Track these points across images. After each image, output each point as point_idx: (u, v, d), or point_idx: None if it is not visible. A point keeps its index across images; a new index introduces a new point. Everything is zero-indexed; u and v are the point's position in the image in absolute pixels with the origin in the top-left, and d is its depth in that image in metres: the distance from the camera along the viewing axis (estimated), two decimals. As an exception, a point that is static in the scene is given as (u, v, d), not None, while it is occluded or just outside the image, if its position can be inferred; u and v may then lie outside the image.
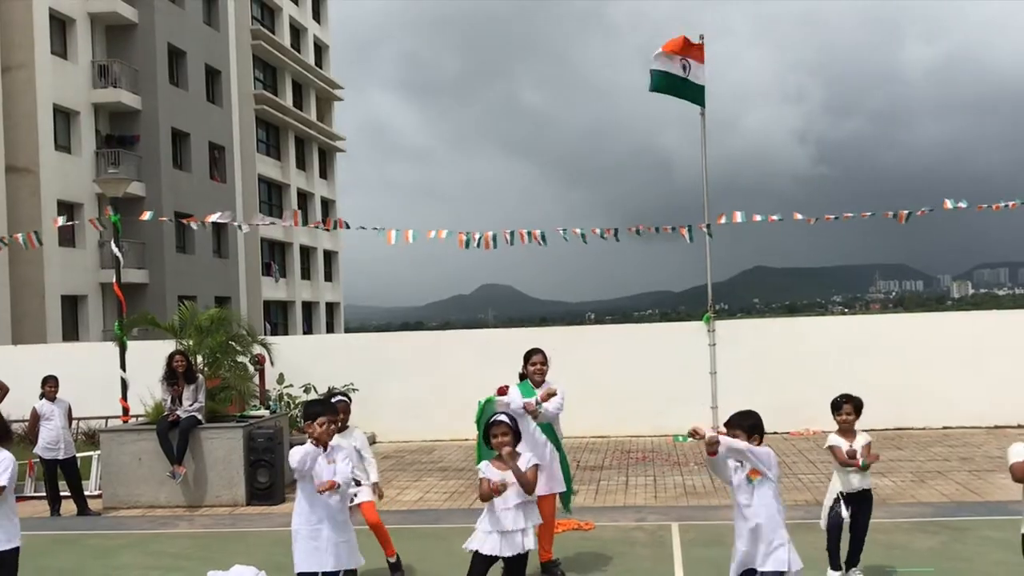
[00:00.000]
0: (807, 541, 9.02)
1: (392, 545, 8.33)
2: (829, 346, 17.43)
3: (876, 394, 16.35)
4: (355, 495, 8.04)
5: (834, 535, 7.69)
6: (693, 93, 16.54)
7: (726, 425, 6.05)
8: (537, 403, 7.99)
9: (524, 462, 6.38)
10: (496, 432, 6.44)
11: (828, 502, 7.77)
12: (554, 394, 8.13)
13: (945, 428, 16.54)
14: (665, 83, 16.17)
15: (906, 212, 16.45)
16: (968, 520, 9.80)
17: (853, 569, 7.68)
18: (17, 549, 6.46)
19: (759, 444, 5.91)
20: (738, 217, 16.88)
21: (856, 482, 7.61)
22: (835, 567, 7.69)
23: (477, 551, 6.37)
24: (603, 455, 15.48)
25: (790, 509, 10.42)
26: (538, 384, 8.28)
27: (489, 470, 6.42)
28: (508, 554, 6.32)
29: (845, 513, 7.60)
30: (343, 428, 8.15)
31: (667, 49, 15.96)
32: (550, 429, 8.30)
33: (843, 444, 7.62)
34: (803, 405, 16.52)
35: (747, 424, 5.96)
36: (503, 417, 6.55)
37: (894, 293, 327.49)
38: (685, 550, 9.00)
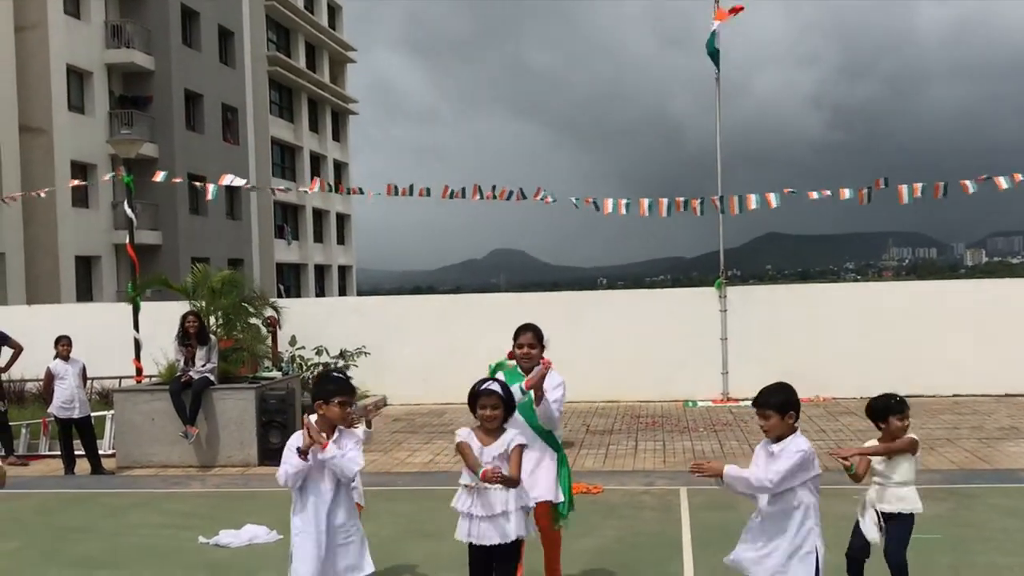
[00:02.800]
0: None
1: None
2: (840, 313, 17.41)
3: (886, 361, 16.41)
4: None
5: (850, 561, 6.25)
6: (713, 55, 17.02)
7: (755, 405, 5.22)
8: (522, 391, 6.11)
9: (506, 440, 5.45)
10: (485, 403, 5.46)
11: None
12: (545, 374, 6.21)
13: (955, 396, 16.53)
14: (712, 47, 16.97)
15: (920, 185, 16.44)
16: (977, 487, 9.83)
17: None
18: None
19: (795, 421, 5.15)
20: (752, 202, 16.86)
21: (874, 495, 6.13)
22: None
23: (471, 543, 5.53)
24: (613, 420, 15.54)
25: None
26: (526, 371, 6.43)
27: (471, 438, 5.48)
28: (495, 542, 5.42)
29: (870, 533, 6.06)
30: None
31: (719, 18, 16.71)
32: (550, 435, 6.58)
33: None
34: (814, 372, 16.53)
35: (776, 402, 5.11)
36: (495, 386, 5.52)
37: (907, 260, 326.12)
38: (693, 514, 9.05)
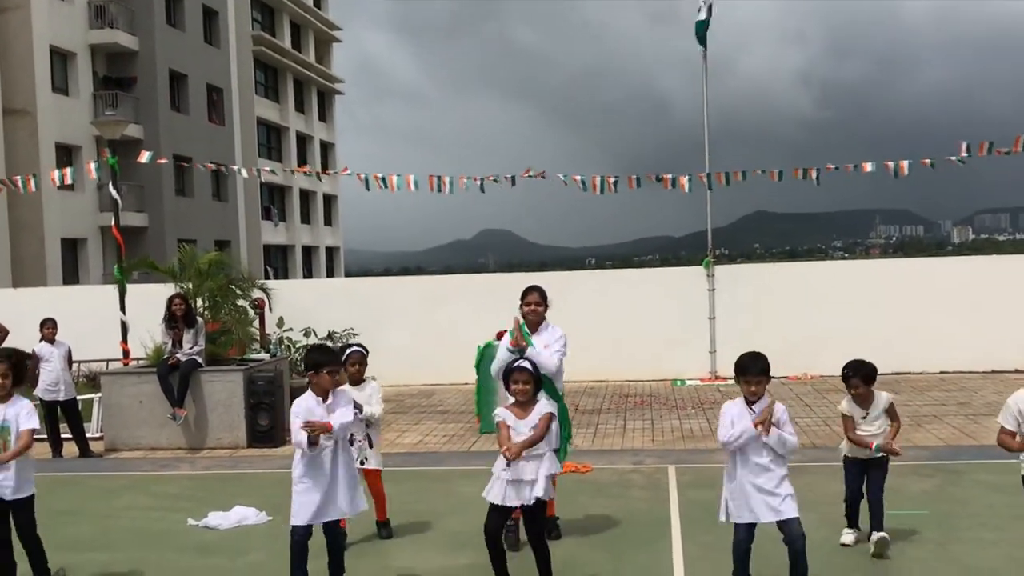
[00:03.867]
0: (803, 483, 9.11)
1: (385, 510, 8.13)
2: (828, 291, 17.46)
3: (874, 338, 16.45)
4: (365, 458, 7.78)
5: (850, 507, 7.32)
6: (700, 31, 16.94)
7: (741, 372, 5.88)
8: (513, 349, 7.04)
9: (538, 413, 6.16)
10: (517, 379, 6.21)
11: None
12: (520, 334, 7.14)
13: (942, 373, 16.61)
14: (702, 32, 16.82)
15: (907, 163, 16.45)
16: (963, 464, 9.89)
17: (876, 533, 7.08)
18: (34, 495, 6.70)
19: (767, 383, 5.90)
20: (739, 176, 16.87)
21: (854, 449, 7.17)
22: (851, 526, 7.36)
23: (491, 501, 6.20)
24: (601, 399, 15.57)
25: (786, 453, 10.53)
26: (534, 326, 7.44)
27: (506, 415, 6.22)
28: (516, 503, 6.11)
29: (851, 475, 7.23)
30: (360, 381, 7.92)
31: None
32: (549, 384, 7.20)
33: (856, 412, 7.08)
34: (802, 349, 16.60)
35: (762, 367, 5.84)
36: (526, 364, 6.31)
37: (895, 238, 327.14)
38: (681, 492, 9.08)
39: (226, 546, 7.91)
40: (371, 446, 7.89)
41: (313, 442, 6.06)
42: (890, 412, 7.14)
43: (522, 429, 6.13)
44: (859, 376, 7.04)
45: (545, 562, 6.33)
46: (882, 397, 7.13)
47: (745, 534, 5.94)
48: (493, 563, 6.28)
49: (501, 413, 6.27)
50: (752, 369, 5.85)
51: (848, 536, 7.35)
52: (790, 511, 5.79)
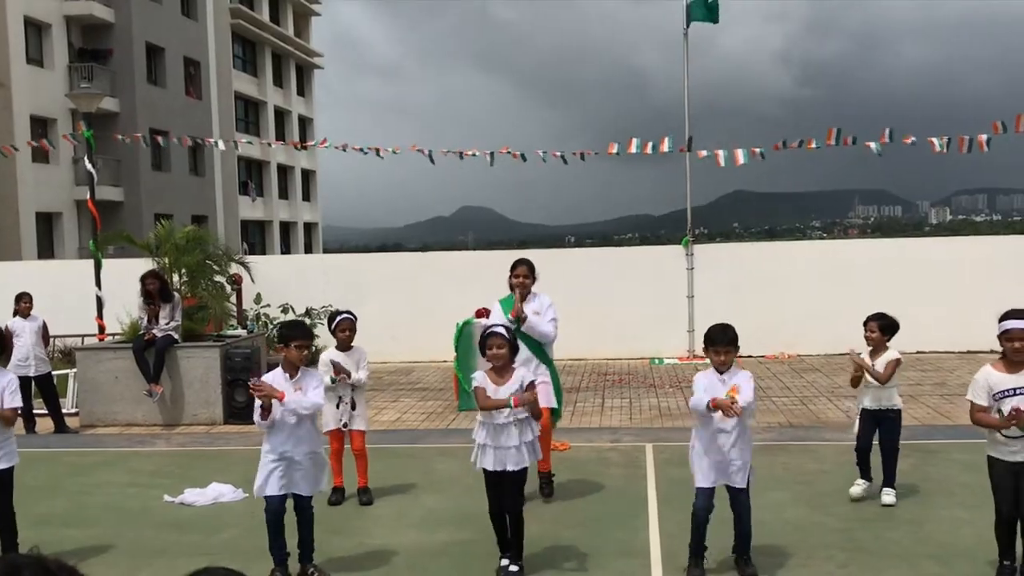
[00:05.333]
0: (779, 462, 9.16)
1: (367, 475, 8.35)
2: (806, 270, 17.51)
3: (851, 319, 16.43)
4: (348, 421, 8.11)
5: (860, 455, 7.84)
6: (711, 10, 16.93)
7: (710, 343, 6.12)
8: (513, 320, 7.66)
9: (518, 378, 6.18)
10: (492, 344, 6.18)
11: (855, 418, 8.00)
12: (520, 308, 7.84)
13: (919, 352, 16.71)
14: (703, 13, 16.76)
15: (887, 141, 16.42)
16: (938, 443, 9.96)
17: (887, 488, 7.71)
18: (13, 467, 6.72)
19: (736, 353, 6.14)
20: (720, 158, 16.80)
21: (868, 401, 7.72)
22: (863, 477, 7.88)
23: (485, 468, 6.25)
24: (580, 377, 15.59)
25: (764, 431, 10.58)
26: (522, 298, 7.92)
27: (484, 381, 6.19)
28: (512, 468, 6.16)
29: (857, 428, 7.83)
30: (348, 347, 8.22)
31: None
32: (540, 349, 8.05)
33: (866, 361, 7.66)
34: (780, 329, 16.65)
35: (730, 337, 6.09)
36: (500, 329, 6.29)
37: (873, 218, 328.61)
38: (659, 470, 9.11)
39: (202, 523, 7.87)
40: (354, 408, 8.08)
41: (266, 408, 6.11)
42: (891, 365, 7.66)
43: (502, 394, 6.12)
44: (875, 321, 7.78)
45: (518, 534, 6.31)
46: (891, 354, 7.69)
47: (705, 500, 6.17)
48: (498, 534, 6.37)
49: (479, 378, 6.23)
50: (721, 340, 6.09)
51: (857, 488, 7.83)
52: (740, 481, 6.11)
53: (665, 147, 16.86)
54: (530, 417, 6.26)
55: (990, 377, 5.82)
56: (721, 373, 6.11)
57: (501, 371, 6.23)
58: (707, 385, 6.07)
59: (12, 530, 6.73)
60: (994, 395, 5.78)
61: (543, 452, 7.75)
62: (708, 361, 6.15)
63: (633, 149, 16.87)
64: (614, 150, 17.19)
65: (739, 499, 6.16)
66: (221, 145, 21.61)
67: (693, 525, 6.20)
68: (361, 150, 17.72)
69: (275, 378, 6.27)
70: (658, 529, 7.26)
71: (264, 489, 6.27)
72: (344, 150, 17.81)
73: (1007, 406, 5.68)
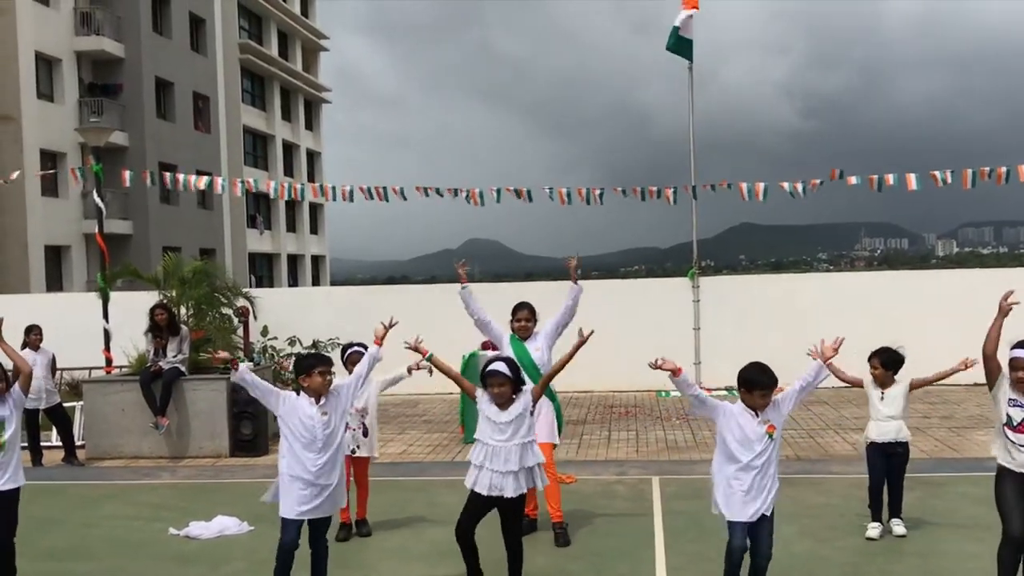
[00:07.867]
0: (786, 495, 9.11)
1: (366, 507, 8.29)
2: (813, 303, 17.48)
3: (858, 351, 16.44)
4: (357, 447, 8.08)
5: (874, 495, 7.76)
6: (681, 46, 16.72)
7: (750, 385, 5.93)
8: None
9: (521, 403, 6.26)
10: (492, 384, 6.22)
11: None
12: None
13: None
14: (673, 41, 16.63)
15: (891, 176, 16.49)
16: (946, 476, 9.92)
17: (895, 520, 7.76)
18: (19, 489, 6.67)
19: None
20: (743, 191, 16.86)
21: (874, 433, 7.74)
22: (876, 518, 7.76)
23: (473, 490, 6.18)
24: (586, 410, 15.56)
25: (770, 464, 10.53)
26: (524, 340, 8.15)
27: (487, 407, 6.29)
28: (510, 495, 6.08)
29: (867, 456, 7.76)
30: None
31: (686, 5, 16.38)
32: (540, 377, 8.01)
33: (874, 393, 7.87)
34: (785, 362, 16.51)
35: (773, 379, 6.03)
36: (499, 367, 6.25)
37: (879, 251, 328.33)
38: (665, 503, 9.08)
39: (207, 556, 7.86)
40: (365, 435, 8.07)
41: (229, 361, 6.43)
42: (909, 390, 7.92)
43: (502, 419, 6.18)
44: (877, 357, 7.94)
45: (517, 566, 6.26)
46: (901, 386, 7.92)
47: (741, 539, 5.78)
48: (467, 561, 6.26)
49: (482, 403, 6.30)
50: (763, 382, 5.89)
51: (873, 530, 7.70)
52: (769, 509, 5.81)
53: (671, 198, 17.01)
54: (533, 442, 6.30)
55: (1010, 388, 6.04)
56: (757, 412, 5.89)
57: (503, 404, 6.28)
58: (742, 423, 5.89)
59: (10, 563, 6.59)
60: (1009, 399, 6.02)
61: (554, 501, 7.85)
62: (716, 394, 6.04)
63: (638, 194, 17.03)
64: (619, 193, 17.32)
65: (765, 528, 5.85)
66: (238, 192, 21.68)
67: (727, 567, 5.81)
68: (367, 192, 17.81)
69: (301, 404, 6.24)
70: (664, 563, 7.23)
71: (289, 511, 6.10)
72: (351, 200, 17.98)
73: (1017, 413, 5.71)
